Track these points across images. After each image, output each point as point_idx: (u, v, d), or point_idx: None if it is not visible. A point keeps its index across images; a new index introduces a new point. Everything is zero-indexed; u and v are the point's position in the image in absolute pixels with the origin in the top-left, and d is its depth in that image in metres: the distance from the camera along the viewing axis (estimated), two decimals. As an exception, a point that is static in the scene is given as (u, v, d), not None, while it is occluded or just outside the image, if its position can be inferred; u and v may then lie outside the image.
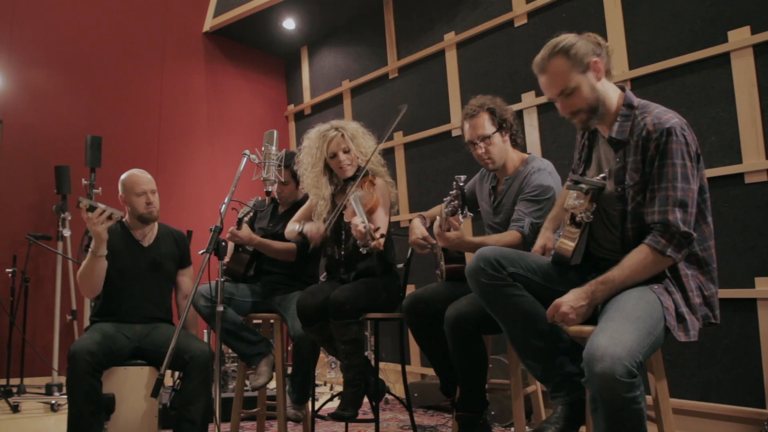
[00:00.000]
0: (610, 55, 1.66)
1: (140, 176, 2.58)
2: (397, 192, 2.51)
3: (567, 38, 1.63)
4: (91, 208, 2.31)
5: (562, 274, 1.73)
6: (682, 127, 1.53)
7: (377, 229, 2.03)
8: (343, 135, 2.48)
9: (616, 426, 1.33)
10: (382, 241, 2.05)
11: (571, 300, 1.51)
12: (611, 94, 1.66)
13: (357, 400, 2.32)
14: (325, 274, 2.67)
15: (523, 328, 1.69)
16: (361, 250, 2.24)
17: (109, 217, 2.33)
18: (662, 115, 1.56)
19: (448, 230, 2.00)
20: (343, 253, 2.52)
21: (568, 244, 1.67)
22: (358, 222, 2.10)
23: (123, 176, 2.59)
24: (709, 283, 1.59)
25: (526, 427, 2.39)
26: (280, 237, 2.70)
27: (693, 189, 1.52)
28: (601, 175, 1.57)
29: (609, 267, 1.69)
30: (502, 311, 1.71)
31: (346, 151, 2.47)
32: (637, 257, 1.51)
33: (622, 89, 1.68)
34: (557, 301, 1.53)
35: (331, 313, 2.26)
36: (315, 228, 2.41)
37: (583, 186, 1.48)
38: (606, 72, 1.65)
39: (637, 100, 1.65)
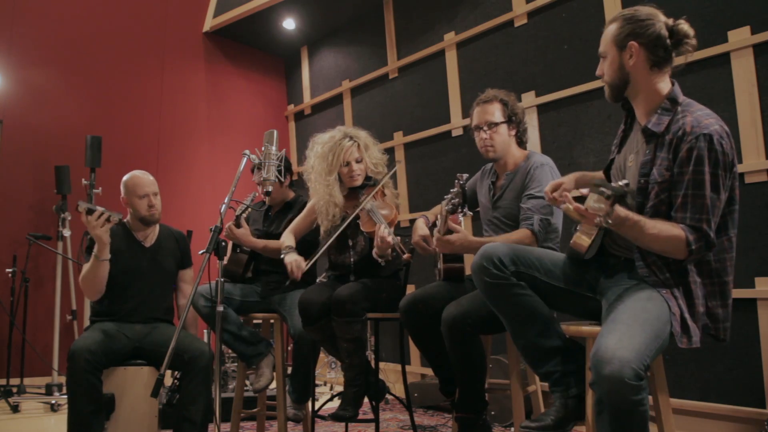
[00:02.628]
0: (663, 47, 1.59)
1: (142, 178, 2.58)
2: (398, 203, 2.54)
3: (638, 10, 1.61)
4: (90, 211, 2.30)
5: (566, 271, 1.73)
6: (720, 135, 1.49)
7: (404, 241, 2.09)
8: (358, 145, 2.51)
9: (621, 429, 1.33)
10: (409, 256, 2.14)
11: (602, 201, 1.42)
12: (648, 81, 1.60)
13: (357, 400, 2.32)
14: (324, 274, 2.67)
15: (525, 327, 1.70)
16: (379, 260, 2.26)
17: (108, 220, 2.33)
18: (703, 119, 1.51)
19: (449, 233, 1.99)
20: (352, 260, 2.52)
21: (585, 240, 1.63)
22: (386, 234, 2.16)
23: (125, 178, 2.59)
24: (715, 296, 1.55)
25: (526, 427, 2.39)
26: (275, 237, 2.70)
27: (721, 199, 1.50)
28: (624, 182, 1.55)
29: (618, 264, 1.69)
30: (506, 309, 1.71)
31: (359, 161, 2.51)
32: (671, 229, 1.49)
33: (672, 82, 1.63)
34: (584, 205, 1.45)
35: (334, 310, 2.26)
36: (296, 264, 2.37)
37: (605, 191, 1.46)
38: (654, 62, 1.58)
39: (682, 97, 1.61)
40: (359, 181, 2.53)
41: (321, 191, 2.52)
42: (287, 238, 2.57)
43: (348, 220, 2.41)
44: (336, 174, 2.51)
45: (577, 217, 1.49)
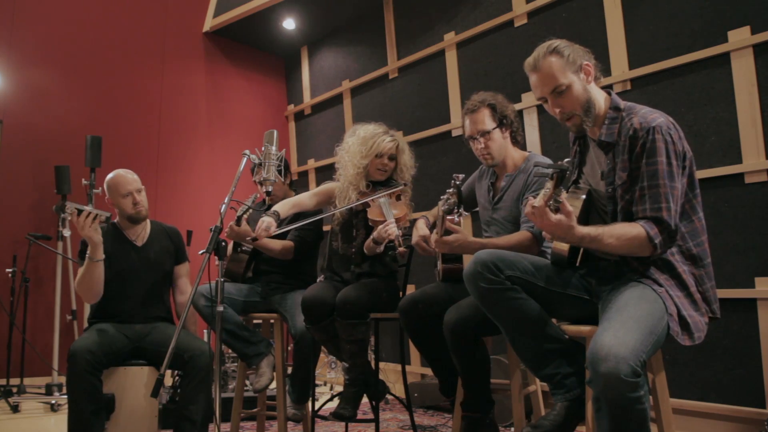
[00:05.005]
0: (597, 64, 1.72)
1: (124, 177, 2.56)
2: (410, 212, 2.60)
3: (560, 41, 1.70)
4: (78, 212, 2.29)
5: (560, 274, 1.73)
6: (668, 125, 1.55)
7: (405, 237, 2.17)
8: (397, 145, 2.59)
9: (620, 426, 1.33)
10: (404, 250, 2.20)
11: (564, 220, 1.47)
12: (599, 97, 1.70)
13: (357, 399, 2.32)
14: (322, 276, 2.67)
15: (522, 331, 1.70)
16: (372, 246, 2.33)
17: (95, 218, 2.32)
18: (648, 114, 1.58)
19: (448, 234, 1.99)
20: (354, 250, 2.54)
21: (563, 244, 1.68)
22: (390, 225, 2.22)
23: (107, 178, 2.58)
24: (704, 278, 1.60)
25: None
26: (277, 236, 2.69)
27: (677, 187, 1.54)
28: (566, 160, 1.59)
29: (608, 267, 1.70)
30: (502, 315, 1.71)
31: (392, 159, 2.57)
32: (630, 230, 1.52)
33: (608, 93, 1.71)
34: (556, 217, 1.47)
35: (338, 312, 2.26)
36: (266, 226, 2.31)
37: (547, 171, 1.49)
38: (595, 78, 1.70)
39: (623, 103, 1.68)
40: (384, 177, 2.58)
41: (350, 171, 2.56)
42: (282, 207, 2.49)
43: (359, 202, 2.47)
44: (368, 162, 2.54)
45: (528, 213, 1.52)
